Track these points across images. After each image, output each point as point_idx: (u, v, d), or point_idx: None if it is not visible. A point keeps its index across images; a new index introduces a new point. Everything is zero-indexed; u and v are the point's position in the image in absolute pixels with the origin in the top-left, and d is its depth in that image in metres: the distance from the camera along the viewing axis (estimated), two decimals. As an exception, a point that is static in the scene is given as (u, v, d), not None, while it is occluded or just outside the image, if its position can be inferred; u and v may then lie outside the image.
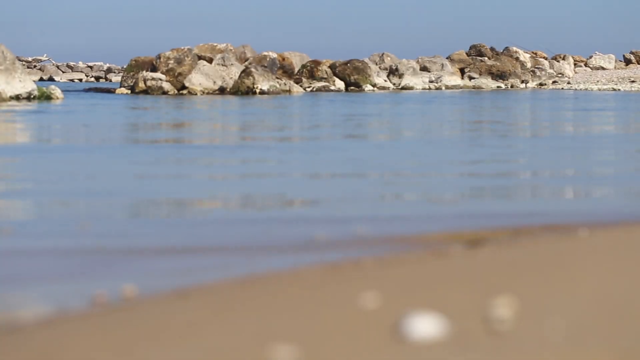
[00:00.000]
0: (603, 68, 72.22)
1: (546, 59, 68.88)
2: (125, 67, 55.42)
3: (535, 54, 68.39)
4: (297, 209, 8.20)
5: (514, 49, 65.94)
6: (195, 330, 3.33)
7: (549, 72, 67.12)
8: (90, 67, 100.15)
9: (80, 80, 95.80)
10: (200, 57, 53.62)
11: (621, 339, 2.70)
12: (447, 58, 63.80)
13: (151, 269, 5.55)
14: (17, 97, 33.92)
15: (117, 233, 6.76)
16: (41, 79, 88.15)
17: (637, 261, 4.09)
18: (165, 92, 50.57)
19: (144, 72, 52.08)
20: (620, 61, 74.45)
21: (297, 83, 53.68)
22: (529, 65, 66.41)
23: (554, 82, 66.09)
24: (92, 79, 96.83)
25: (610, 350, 2.60)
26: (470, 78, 63.56)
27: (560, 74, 68.34)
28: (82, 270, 5.50)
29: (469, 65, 64.19)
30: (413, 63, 60.94)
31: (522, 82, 64.87)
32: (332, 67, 56.49)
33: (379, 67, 59.62)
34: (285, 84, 51.35)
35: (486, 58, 64.79)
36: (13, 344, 3.56)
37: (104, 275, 5.37)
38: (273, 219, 7.35)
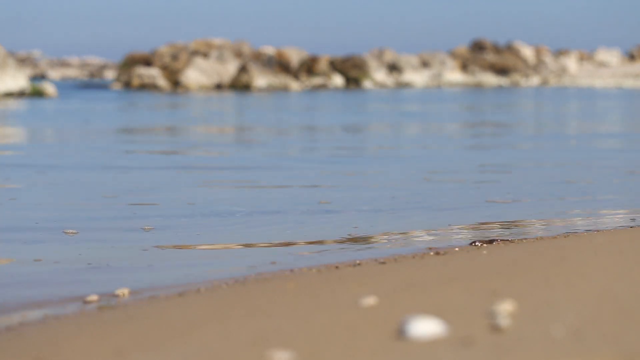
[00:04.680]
0: (607, 64, 71.99)
1: (550, 52, 68.72)
2: (119, 63, 55.44)
3: (539, 49, 68.30)
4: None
5: (517, 44, 65.84)
6: (193, 332, 3.30)
7: (551, 69, 67.03)
8: (84, 63, 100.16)
9: (75, 77, 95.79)
10: (196, 53, 53.61)
11: (625, 340, 2.68)
12: (448, 52, 63.73)
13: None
14: (10, 94, 33.88)
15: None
16: (34, 76, 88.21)
17: None
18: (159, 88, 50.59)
19: (139, 68, 52.08)
20: (625, 56, 74.03)
21: (295, 78, 53.67)
22: (531, 61, 66.33)
23: (557, 78, 66.00)
24: (86, 75, 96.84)
25: (614, 352, 2.58)
26: (472, 74, 63.53)
27: (563, 70, 68.22)
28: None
29: (471, 61, 64.15)
30: (413, 58, 60.91)
31: (524, 75, 64.77)
32: (331, 63, 56.43)
33: (379, 63, 59.58)
34: (282, 82, 51.38)
35: (488, 54, 64.81)
36: (8, 346, 3.55)
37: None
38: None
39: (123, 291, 4.74)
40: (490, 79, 63.25)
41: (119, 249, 6.12)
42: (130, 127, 20.45)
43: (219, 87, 51.73)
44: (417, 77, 59.66)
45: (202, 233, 6.81)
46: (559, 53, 69.26)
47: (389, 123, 20.57)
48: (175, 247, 6.21)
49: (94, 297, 4.62)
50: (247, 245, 6.26)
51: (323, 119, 23.11)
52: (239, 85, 50.62)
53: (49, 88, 35.99)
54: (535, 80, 64.98)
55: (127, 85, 52.03)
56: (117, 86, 52.24)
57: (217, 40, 55.06)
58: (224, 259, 5.78)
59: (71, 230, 6.78)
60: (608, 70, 68.21)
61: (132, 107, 27.73)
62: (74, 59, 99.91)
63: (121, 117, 23.50)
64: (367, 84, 55.76)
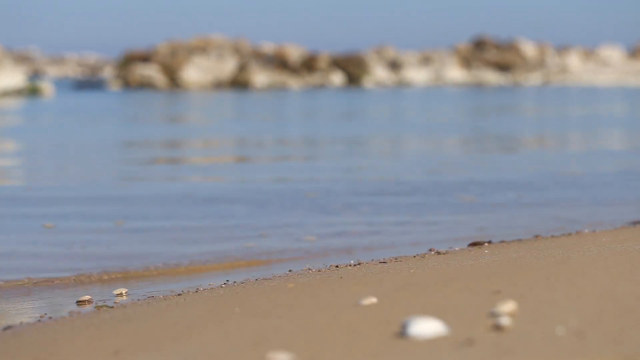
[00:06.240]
0: (610, 61, 71.41)
1: (552, 48, 68.35)
2: (118, 60, 55.29)
3: (541, 46, 67.93)
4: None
5: (519, 41, 65.54)
6: (192, 333, 3.29)
7: (554, 67, 66.68)
8: (83, 60, 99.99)
9: (72, 75, 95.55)
10: (195, 50, 53.52)
11: (627, 340, 2.66)
12: (449, 47, 63.47)
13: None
14: (6, 93, 33.73)
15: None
16: (33, 73, 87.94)
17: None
18: (158, 87, 50.49)
19: (138, 67, 52.01)
20: (628, 52, 73.17)
21: (295, 75, 53.53)
22: (533, 58, 66.03)
23: (559, 75, 65.67)
24: (85, 72, 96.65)
25: (616, 352, 2.56)
26: (473, 72, 63.28)
27: (566, 68, 67.83)
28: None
29: (472, 58, 63.95)
30: (414, 56, 60.71)
31: (527, 71, 64.45)
32: (331, 61, 56.25)
33: (380, 61, 59.32)
34: (282, 80, 51.29)
35: (490, 51, 64.61)
36: (7, 346, 3.53)
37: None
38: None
39: (121, 291, 4.73)
40: (491, 76, 63.05)
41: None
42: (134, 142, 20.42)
43: (217, 85, 51.66)
44: (418, 75, 59.50)
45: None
46: (562, 49, 68.83)
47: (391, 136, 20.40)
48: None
49: (89, 298, 4.61)
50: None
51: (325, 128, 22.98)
52: (238, 84, 50.56)
53: (46, 88, 35.90)
54: (537, 78, 64.73)
55: (126, 83, 51.94)
56: (115, 86, 52.15)
57: (216, 37, 54.91)
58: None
59: (49, 224, 6.86)
60: (611, 69, 67.77)
61: (133, 118, 27.31)
62: (72, 56, 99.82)
63: (122, 131, 23.19)
64: (367, 83, 55.59)
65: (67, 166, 12.00)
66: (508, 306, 3.12)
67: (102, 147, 15.61)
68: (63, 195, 8.82)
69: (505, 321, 2.93)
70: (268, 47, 54.48)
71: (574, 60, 68.27)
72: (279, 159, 13.76)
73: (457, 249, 5.50)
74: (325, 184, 9.87)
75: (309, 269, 5.10)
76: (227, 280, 4.88)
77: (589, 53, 71.19)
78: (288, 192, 9.20)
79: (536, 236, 5.96)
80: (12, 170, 11.81)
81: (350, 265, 4.96)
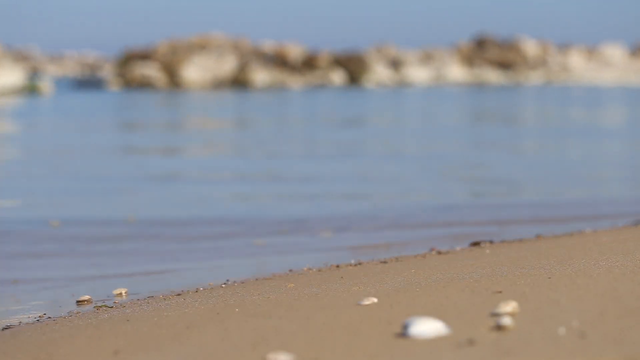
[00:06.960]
0: (611, 59, 71.30)
1: (554, 46, 68.27)
2: (117, 59, 55.24)
3: (543, 45, 67.84)
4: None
5: (520, 39, 65.50)
6: (192, 333, 3.28)
7: (555, 66, 66.60)
8: (82, 58, 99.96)
9: (71, 74, 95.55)
10: (195, 49, 53.51)
11: (628, 340, 2.66)
12: (450, 45, 63.45)
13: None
14: (6, 91, 33.72)
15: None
16: (32, 71, 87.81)
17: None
18: (158, 87, 50.49)
19: (137, 66, 52.01)
20: (630, 49, 72.97)
21: (295, 74, 53.54)
22: (535, 58, 65.98)
23: (560, 74, 65.59)
24: (83, 71, 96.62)
25: (617, 352, 2.55)
26: (475, 70, 63.21)
27: (567, 66, 67.74)
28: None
29: (474, 57, 63.91)
30: (415, 55, 60.72)
31: (529, 68, 64.38)
32: (332, 60, 56.24)
33: (381, 60, 59.27)
34: (282, 79, 51.31)
35: (491, 50, 64.58)
36: (6, 347, 3.53)
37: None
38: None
39: (120, 291, 4.72)
40: (493, 75, 62.98)
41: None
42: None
43: (217, 84, 51.66)
44: (418, 73, 59.47)
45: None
46: (563, 48, 68.68)
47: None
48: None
49: (89, 297, 4.61)
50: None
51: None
52: (239, 83, 50.58)
53: (45, 86, 35.91)
54: (538, 77, 64.62)
55: (125, 82, 51.92)
56: (115, 85, 52.12)
57: (216, 36, 54.84)
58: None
59: (55, 222, 6.86)
60: (613, 67, 67.64)
61: (133, 123, 27.16)
62: (72, 54, 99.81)
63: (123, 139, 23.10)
64: (368, 83, 55.53)
65: (62, 174, 11.97)
66: (509, 306, 3.12)
67: (101, 154, 15.60)
68: (59, 212, 8.81)
69: (506, 321, 2.92)
70: (268, 45, 54.43)
71: (575, 59, 68.19)
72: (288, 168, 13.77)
73: (458, 248, 5.49)
74: (337, 192, 9.86)
75: (309, 268, 5.09)
76: (227, 280, 4.87)
77: (591, 52, 70.98)
78: (300, 201, 9.22)
79: (537, 236, 5.95)
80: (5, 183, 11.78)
81: (350, 265, 4.96)
